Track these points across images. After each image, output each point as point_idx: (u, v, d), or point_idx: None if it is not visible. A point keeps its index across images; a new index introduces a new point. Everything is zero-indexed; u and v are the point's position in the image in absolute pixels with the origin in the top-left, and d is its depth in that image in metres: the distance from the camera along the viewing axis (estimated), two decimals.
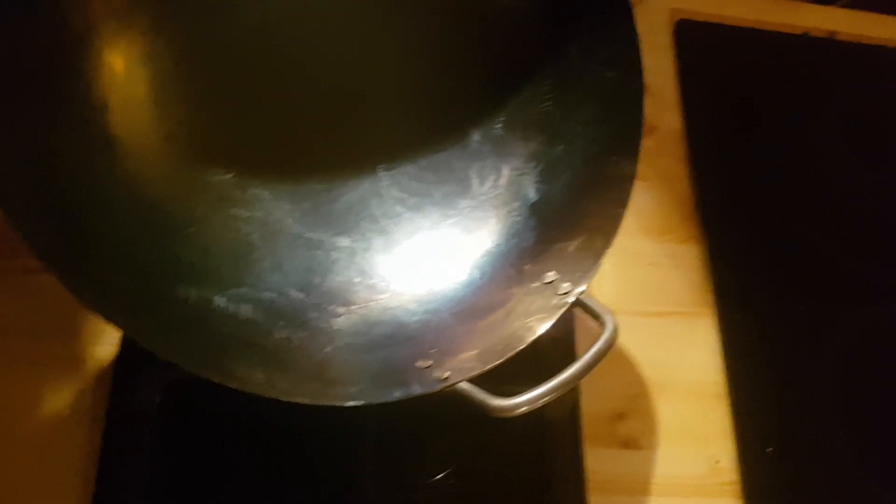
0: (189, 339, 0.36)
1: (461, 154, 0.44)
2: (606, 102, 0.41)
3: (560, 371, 0.36)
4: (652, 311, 0.49)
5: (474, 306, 0.41)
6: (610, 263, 0.47)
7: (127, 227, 0.37)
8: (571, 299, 0.38)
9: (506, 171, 0.44)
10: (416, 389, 0.36)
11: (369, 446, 0.42)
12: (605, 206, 0.40)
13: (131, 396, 0.41)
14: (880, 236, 0.54)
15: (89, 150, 0.37)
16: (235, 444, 0.42)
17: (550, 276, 0.40)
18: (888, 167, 0.57)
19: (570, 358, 0.44)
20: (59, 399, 0.42)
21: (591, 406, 0.45)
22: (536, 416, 0.44)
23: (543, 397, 0.35)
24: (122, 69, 0.39)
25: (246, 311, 0.38)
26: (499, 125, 0.44)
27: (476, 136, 0.45)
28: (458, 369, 0.37)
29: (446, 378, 0.36)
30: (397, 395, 0.36)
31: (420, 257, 0.43)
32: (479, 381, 0.37)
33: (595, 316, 0.38)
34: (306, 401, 0.35)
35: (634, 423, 0.46)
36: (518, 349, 0.37)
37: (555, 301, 0.38)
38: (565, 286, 0.39)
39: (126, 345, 0.42)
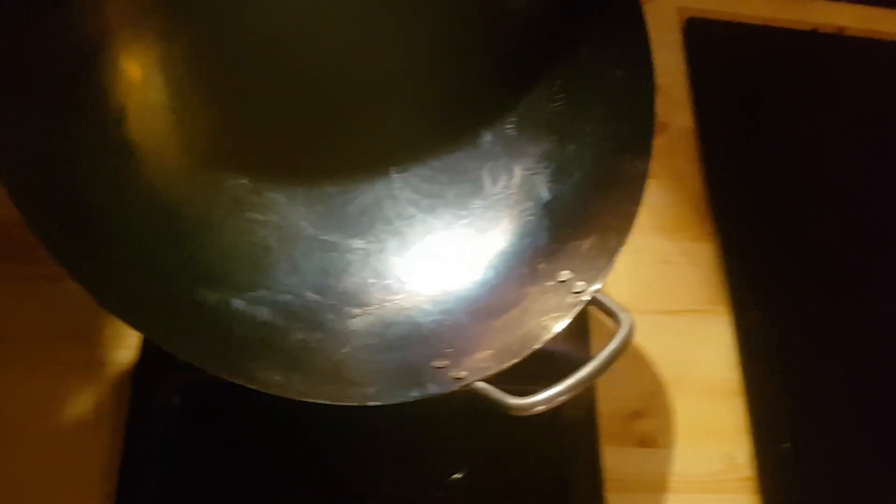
0: (208, 342, 0.36)
1: (473, 155, 0.45)
2: (617, 101, 0.42)
3: (576, 370, 0.36)
4: (666, 309, 0.49)
5: (489, 306, 0.41)
6: (623, 262, 0.47)
7: (145, 232, 0.38)
8: (586, 298, 0.38)
9: (518, 172, 0.44)
10: (433, 389, 0.36)
11: (385, 447, 0.42)
12: (618, 205, 0.40)
13: (151, 399, 0.41)
14: (895, 232, 0.54)
15: (107, 156, 0.37)
16: (252, 445, 0.42)
17: (565, 274, 0.40)
18: None
19: (585, 357, 0.44)
20: (81, 402, 0.43)
21: (607, 405, 0.45)
22: (552, 416, 0.44)
23: (560, 396, 0.35)
24: (138, 76, 0.39)
25: (263, 313, 0.39)
26: (510, 126, 0.45)
27: (487, 137, 0.45)
28: (475, 369, 0.37)
29: (462, 378, 0.37)
30: (414, 394, 0.36)
31: (434, 258, 0.43)
32: (495, 380, 0.37)
33: (611, 314, 0.38)
34: (324, 401, 0.35)
35: (651, 422, 0.46)
36: (534, 348, 0.37)
37: (569, 300, 0.39)
38: (580, 285, 0.39)
39: (146, 349, 0.43)
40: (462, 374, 0.37)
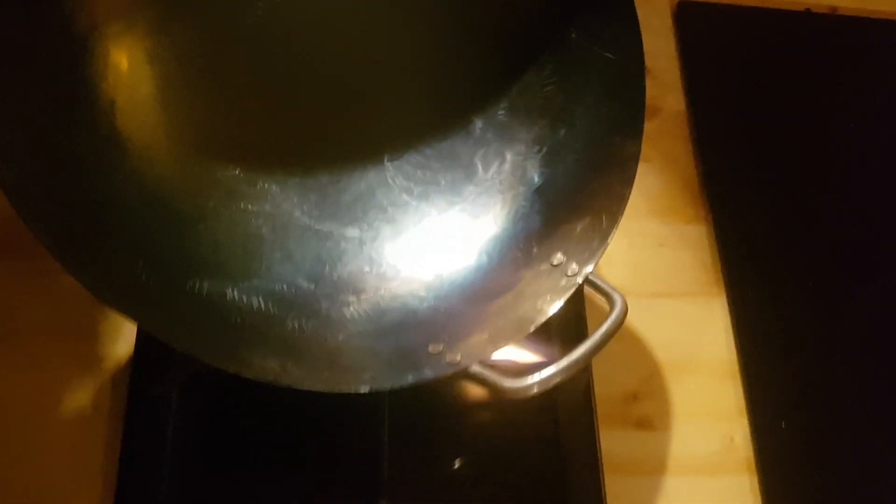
0: (204, 331, 0.36)
1: (465, 141, 0.45)
2: (608, 84, 0.42)
3: (570, 351, 0.36)
4: (662, 291, 0.49)
5: (483, 290, 0.41)
6: (618, 246, 0.47)
7: (139, 224, 0.38)
8: (580, 280, 0.38)
9: (510, 157, 0.44)
10: (429, 374, 0.36)
11: (384, 436, 0.42)
12: (610, 187, 0.40)
13: (149, 392, 0.42)
14: (888, 210, 0.54)
15: (99, 149, 0.37)
16: (250, 438, 0.42)
17: (558, 257, 0.40)
18: (894, 140, 0.56)
19: (582, 339, 0.44)
20: (80, 397, 0.43)
21: (604, 388, 0.45)
22: (550, 400, 0.45)
23: (556, 377, 0.35)
24: (128, 69, 0.39)
25: (258, 302, 0.39)
26: (502, 111, 0.45)
27: (479, 123, 0.45)
28: (470, 353, 0.37)
29: (458, 362, 0.37)
30: (410, 379, 0.36)
31: (428, 244, 0.44)
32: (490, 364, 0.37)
33: (604, 294, 0.38)
34: (320, 388, 0.35)
35: (648, 404, 0.46)
36: (529, 331, 0.37)
37: (563, 282, 0.39)
38: (573, 267, 0.39)
39: (143, 342, 0.43)
40: (457, 358, 0.37)
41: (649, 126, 0.42)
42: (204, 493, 0.41)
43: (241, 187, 0.42)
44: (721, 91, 0.56)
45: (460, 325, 0.39)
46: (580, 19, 0.42)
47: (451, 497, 0.42)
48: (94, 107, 0.38)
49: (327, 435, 0.42)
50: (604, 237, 0.39)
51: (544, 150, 0.43)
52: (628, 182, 0.39)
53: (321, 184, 0.44)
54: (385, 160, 0.45)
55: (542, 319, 0.38)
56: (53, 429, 0.42)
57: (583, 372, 0.43)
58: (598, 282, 0.38)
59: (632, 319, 0.41)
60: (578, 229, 0.40)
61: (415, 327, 0.40)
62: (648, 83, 0.42)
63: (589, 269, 0.38)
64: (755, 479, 0.44)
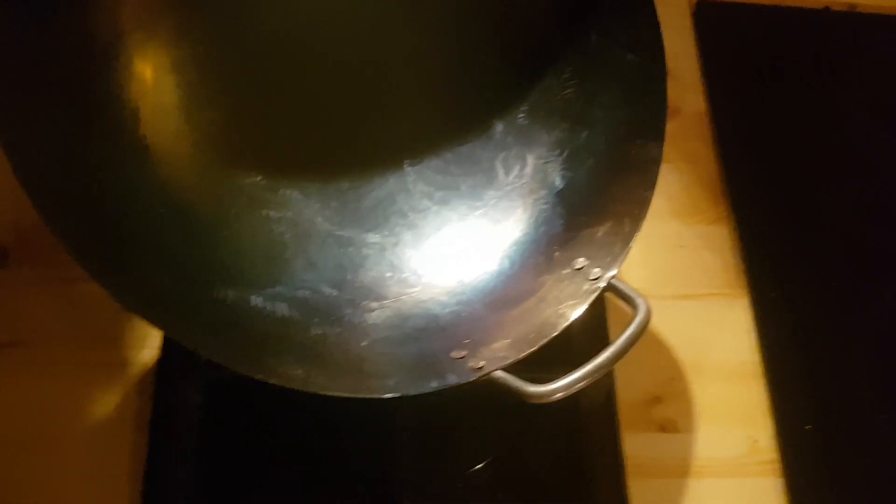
0: (229, 339, 0.36)
1: (485, 145, 0.45)
2: (629, 86, 0.42)
3: (594, 357, 0.36)
4: (684, 293, 0.49)
5: (505, 296, 0.41)
6: (639, 248, 0.47)
7: (163, 231, 0.38)
8: (602, 284, 0.38)
9: (531, 160, 0.44)
10: (452, 379, 0.37)
11: (406, 440, 0.43)
12: (632, 190, 0.40)
13: (174, 398, 0.42)
14: None
15: (123, 157, 0.38)
16: (274, 442, 0.43)
17: (580, 262, 0.40)
18: None
19: (604, 344, 0.44)
20: (106, 403, 0.43)
21: (626, 391, 0.45)
22: (572, 404, 0.44)
23: (579, 382, 0.35)
24: (151, 78, 0.40)
25: (282, 309, 0.39)
26: (522, 115, 0.45)
27: (499, 127, 0.45)
28: (493, 358, 0.37)
29: (481, 367, 0.37)
30: (434, 385, 0.36)
31: (449, 250, 0.44)
32: (514, 369, 0.37)
33: (627, 299, 0.38)
34: (344, 394, 0.35)
35: (671, 407, 0.46)
36: (551, 336, 0.37)
37: (586, 287, 0.39)
38: (596, 272, 0.39)
39: (167, 348, 0.43)
40: (480, 363, 0.37)
41: (670, 126, 0.42)
42: (228, 497, 0.41)
43: (263, 194, 0.42)
44: (741, 90, 0.56)
45: (483, 330, 0.39)
46: (600, 21, 0.42)
47: (474, 501, 0.42)
48: (118, 116, 0.38)
49: (348, 438, 0.43)
50: (626, 241, 0.39)
51: (565, 153, 0.43)
52: (650, 185, 0.39)
53: (342, 190, 0.44)
54: (405, 165, 0.45)
55: (565, 324, 0.38)
56: (79, 435, 0.43)
57: (605, 375, 0.43)
58: (621, 286, 0.38)
59: (653, 321, 0.41)
60: (600, 233, 0.40)
61: (437, 333, 0.40)
62: (668, 83, 0.42)
63: (612, 273, 0.38)
64: (780, 482, 0.44)
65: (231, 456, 0.42)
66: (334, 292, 0.41)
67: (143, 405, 0.43)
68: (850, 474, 0.45)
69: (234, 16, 0.41)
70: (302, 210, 0.43)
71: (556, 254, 0.41)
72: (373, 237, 0.44)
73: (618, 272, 0.39)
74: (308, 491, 0.42)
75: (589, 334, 0.45)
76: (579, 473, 0.44)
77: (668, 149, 0.41)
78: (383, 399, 0.36)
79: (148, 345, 0.45)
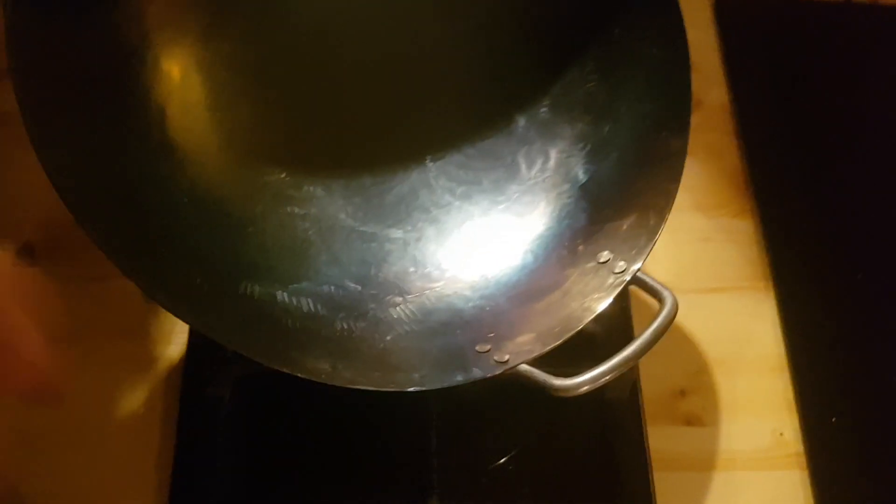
0: (256, 333, 0.37)
1: (508, 140, 0.45)
2: (652, 79, 0.41)
3: (619, 350, 0.36)
4: (708, 287, 0.49)
5: (529, 289, 0.41)
6: (662, 242, 0.47)
7: (191, 228, 0.38)
8: (628, 277, 0.38)
9: (553, 154, 0.44)
10: (477, 373, 0.37)
11: (431, 434, 0.43)
12: (656, 183, 0.40)
13: (201, 393, 0.42)
14: None
15: (151, 154, 0.38)
16: (301, 436, 0.43)
17: (605, 255, 0.40)
18: None
19: (628, 337, 0.44)
20: (133, 399, 0.44)
21: (651, 385, 0.45)
22: (597, 398, 0.44)
23: (605, 375, 0.35)
24: (178, 77, 0.40)
25: (308, 304, 0.39)
26: (544, 108, 0.45)
27: (522, 121, 0.45)
28: (518, 352, 0.37)
29: (506, 361, 0.37)
30: (459, 379, 0.36)
31: (472, 244, 0.44)
32: (539, 363, 0.37)
33: (653, 292, 0.38)
34: (371, 388, 0.36)
35: (696, 400, 0.45)
36: (576, 329, 0.37)
37: (611, 280, 0.39)
38: (621, 265, 0.39)
39: (194, 344, 0.44)
40: (505, 357, 0.37)
41: (692, 119, 0.42)
42: (256, 493, 0.42)
43: (287, 191, 0.42)
44: (764, 83, 0.55)
45: (507, 324, 0.39)
46: (623, 14, 0.42)
47: (500, 495, 0.42)
48: (145, 115, 0.38)
49: (377, 434, 0.43)
50: (651, 234, 0.39)
51: (588, 147, 0.43)
52: (675, 178, 0.39)
53: (365, 186, 0.44)
54: (427, 161, 0.45)
55: (590, 318, 0.38)
56: (107, 431, 0.43)
57: (630, 369, 0.43)
58: (647, 279, 0.38)
59: (678, 315, 0.41)
60: (625, 226, 0.40)
61: (462, 327, 0.40)
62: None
63: (637, 266, 0.38)
64: (805, 475, 0.44)
65: (258, 450, 0.43)
66: (358, 287, 0.41)
67: (171, 401, 0.43)
68: (877, 467, 0.45)
69: (260, 14, 0.42)
70: (326, 206, 0.43)
71: (581, 247, 0.41)
72: (396, 232, 0.44)
73: (643, 265, 0.39)
74: (335, 486, 0.42)
75: (613, 328, 0.45)
76: (604, 467, 0.44)
77: (691, 142, 0.41)
78: (409, 393, 0.36)
79: (174, 341, 0.45)
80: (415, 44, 0.44)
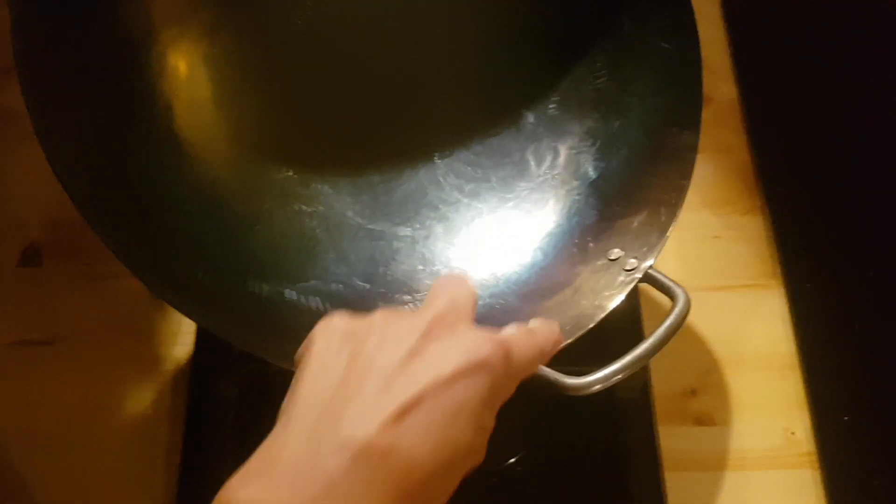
0: (264, 331, 0.36)
1: (516, 136, 0.44)
2: (663, 74, 0.41)
3: (630, 349, 0.36)
4: (718, 285, 0.48)
5: (539, 287, 0.41)
6: (672, 239, 0.46)
7: (198, 225, 0.38)
8: (639, 274, 0.38)
9: (563, 151, 0.44)
10: None
11: None
12: (667, 179, 0.39)
13: (209, 392, 0.42)
14: None
15: (157, 152, 0.38)
16: None
17: (616, 252, 0.39)
18: None
19: (638, 336, 0.44)
20: (141, 398, 0.44)
21: (662, 384, 0.45)
22: (607, 397, 0.44)
23: (618, 374, 0.34)
24: (184, 72, 0.40)
25: (315, 302, 0.39)
26: (553, 105, 0.44)
27: (530, 118, 0.44)
28: None
29: None
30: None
31: (481, 242, 0.43)
32: (549, 362, 0.36)
33: (665, 290, 0.37)
34: None
35: (707, 399, 0.45)
36: (588, 327, 0.37)
37: (622, 277, 0.38)
38: (632, 262, 0.38)
39: (201, 343, 0.44)
40: None
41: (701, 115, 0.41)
42: None
43: (295, 189, 0.42)
44: (773, 78, 0.55)
45: (517, 322, 0.39)
46: (632, 8, 0.42)
47: (509, 495, 0.42)
48: (151, 111, 0.38)
49: None
50: (663, 230, 0.38)
51: (598, 143, 0.43)
52: (686, 173, 0.39)
53: (372, 183, 0.44)
54: (435, 158, 0.45)
55: (601, 316, 0.37)
56: (114, 431, 0.43)
57: (640, 369, 0.43)
58: (659, 276, 0.38)
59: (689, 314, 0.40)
60: (636, 223, 0.39)
61: None
62: None
63: (648, 263, 0.38)
64: (818, 474, 0.43)
65: None
66: (366, 286, 0.41)
67: (178, 400, 0.43)
68: (891, 466, 0.44)
69: (266, 10, 0.41)
70: (333, 204, 0.43)
71: (591, 245, 0.41)
72: (404, 230, 0.43)
73: (654, 262, 0.38)
74: None
75: (624, 327, 0.44)
76: (615, 468, 0.43)
77: (701, 138, 0.41)
78: None
79: (182, 340, 0.45)
80: (422, 40, 0.44)
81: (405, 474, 0.24)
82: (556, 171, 0.44)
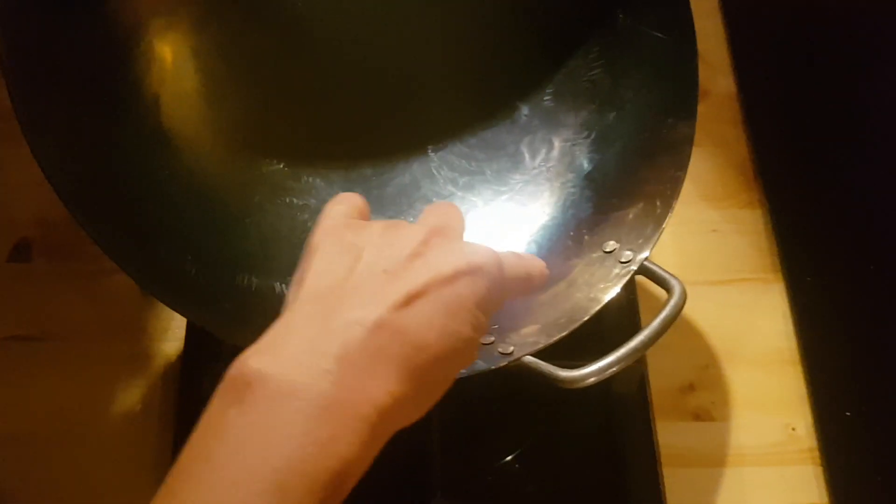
0: (254, 325, 0.35)
1: (511, 129, 0.44)
2: (658, 65, 0.41)
3: (627, 340, 0.35)
4: (717, 279, 0.48)
5: None
6: (670, 233, 0.46)
7: (187, 219, 0.38)
8: (635, 266, 0.37)
9: (557, 143, 0.43)
10: (481, 365, 0.36)
11: (436, 431, 0.42)
12: (663, 171, 0.39)
13: (199, 389, 0.42)
14: None
15: (145, 145, 0.38)
16: None
17: (611, 245, 0.39)
18: None
19: (635, 329, 0.43)
20: (131, 395, 0.43)
21: (659, 379, 0.44)
22: (604, 393, 0.44)
23: (613, 366, 0.34)
24: (172, 64, 0.39)
25: None
26: (547, 97, 0.44)
27: (525, 110, 0.44)
28: (522, 343, 0.36)
29: (510, 353, 0.36)
30: (462, 371, 0.35)
31: (475, 235, 0.42)
32: (545, 355, 0.36)
33: (660, 281, 0.37)
34: None
35: (705, 395, 0.45)
36: (583, 320, 0.37)
37: (617, 270, 0.38)
38: (627, 254, 0.38)
39: (191, 339, 0.43)
40: (510, 349, 0.36)
41: (699, 109, 0.41)
42: None
43: (286, 182, 0.41)
44: (771, 72, 0.55)
45: (510, 316, 0.38)
46: (628, 0, 0.41)
47: (506, 491, 0.42)
48: (139, 103, 0.38)
49: None
50: (658, 222, 0.38)
51: (593, 135, 0.42)
52: (682, 165, 0.38)
53: (365, 176, 0.43)
54: (429, 151, 0.44)
55: (597, 308, 0.37)
56: (105, 428, 0.43)
57: (637, 363, 0.42)
58: (654, 268, 0.37)
59: (686, 308, 0.40)
60: (631, 215, 0.39)
61: None
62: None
63: (644, 255, 0.37)
64: (819, 470, 0.43)
65: None
66: None
67: (169, 396, 0.43)
68: (893, 462, 0.44)
69: (256, 3, 0.41)
70: (325, 197, 0.42)
71: (586, 237, 0.40)
72: None
73: (650, 254, 0.38)
74: None
75: (620, 320, 0.44)
76: (613, 463, 0.43)
77: (698, 132, 0.40)
78: None
79: (172, 336, 0.45)
80: (416, 32, 0.44)
81: (415, 352, 0.26)
82: (550, 164, 0.43)
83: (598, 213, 0.41)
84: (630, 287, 0.44)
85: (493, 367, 0.36)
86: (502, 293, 0.29)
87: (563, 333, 0.36)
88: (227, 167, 0.40)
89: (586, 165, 0.42)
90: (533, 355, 0.35)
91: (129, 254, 0.34)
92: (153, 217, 0.37)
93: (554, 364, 0.35)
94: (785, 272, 0.48)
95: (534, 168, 0.43)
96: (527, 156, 0.44)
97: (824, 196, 0.51)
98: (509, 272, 0.29)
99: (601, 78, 0.43)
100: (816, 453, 0.43)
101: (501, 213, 0.43)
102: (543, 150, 0.43)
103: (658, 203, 0.38)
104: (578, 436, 0.43)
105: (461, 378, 0.35)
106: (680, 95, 0.40)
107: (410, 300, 0.26)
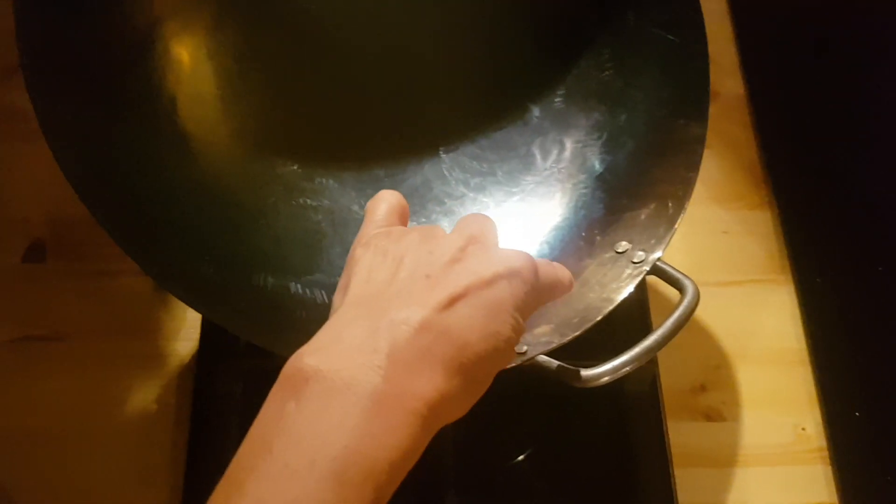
0: (270, 323, 0.36)
1: (522, 130, 0.44)
2: (669, 66, 0.41)
3: (639, 341, 0.35)
4: (727, 280, 0.48)
5: None
6: (680, 234, 0.46)
7: (203, 219, 0.38)
8: (647, 267, 0.37)
9: (569, 144, 0.44)
10: None
11: (448, 431, 0.42)
12: (675, 171, 0.39)
13: (214, 387, 0.42)
14: None
15: (163, 145, 0.38)
16: None
17: (623, 245, 0.39)
18: None
19: (647, 329, 0.43)
20: (146, 395, 0.43)
21: (670, 380, 0.44)
22: (616, 393, 0.44)
23: (627, 365, 0.34)
24: (188, 66, 0.40)
25: (321, 295, 0.39)
26: (559, 98, 0.44)
27: (536, 112, 0.44)
28: (536, 343, 0.36)
29: (524, 352, 0.36)
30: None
31: None
32: (557, 354, 0.36)
33: (673, 282, 0.37)
34: None
35: (716, 395, 0.45)
36: (595, 320, 0.37)
37: (630, 270, 0.38)
38: (640, 254, 0.38)
39: (206, 338, 0.43)
40: (524, 348, 0.36)
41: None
42: None
43: (299, 182, 0.42)
44: (780, 73, 0.55)
45: None
46: (638, 1, 0.41)
47: (519, 490, 0.42)
48: (156, 104, 0.38)
49: None
50: (671, 223, 0.38)
51: (604, 136, 0.43)
52: (694, 166, 0.39)
53: (377, 177, 0.44)
54: (441, 152, 0.44)
55: (610, 308, 0.37)
56: (119, 427, 0.43)
57: (649, 363, 0.42)
58: (667, 268, 0.37)
59: (697, 309, 0.40)
60: (643, 216, 0.39)
61: None
62: None
63: (656, 255, 0.38)
64: (829, 470, 0.43)
65: None
66: None
67: (183, 396, 0.43)
68: None
69: (271, 4, 0.41)
70: (338, 198, 0.42)
71: (598, 238, 0.40)
72: (409, 225, 0.43)
73: (663, 254, 0.38)
74: None
75: (632, 320, 0.44)
76: (624, 464, 0.43)
77: (708, 133, 0.41)
78: None
79: (186, 336, 0.45)
80: (427, 35, 0.44)
81: (458, 351, 0.27)
82: (562, 165, 0.43)
83: (610, 213, 0.41)
84: (641, 288, 0.44)
85: (507, 367, 0.36)
86: (538, 297, 0.30)
87: (577, 333, 0.36)
88: (242, 168, 0.41)
89: (598, 166, 0.43)
90: (546, 355, 0.36)
91: (147, 253, 0.35)
92: (171, 217, 0.37)
93: (567, 363, 0.35)
94: (794, 273, 0.48)
95: (545, 169, 0.44)
96: (538, 157, 0.44)
97: (833, 197, 0.51)
98: (543, 278, 0.30)
99: (612, 79, 0.43)
100: (826, 453, 0.43)
101: (513, 215, 0.43)
102: (555, 152, 0.44)
103: (670, 204, 0.39)
104: (590, 435, 0.44)
105: None
106: (691, 96, 0.40)
107: (452, 302, 0.27)
